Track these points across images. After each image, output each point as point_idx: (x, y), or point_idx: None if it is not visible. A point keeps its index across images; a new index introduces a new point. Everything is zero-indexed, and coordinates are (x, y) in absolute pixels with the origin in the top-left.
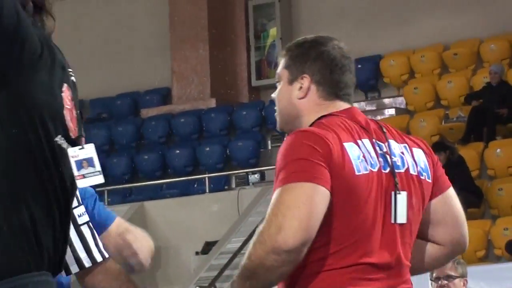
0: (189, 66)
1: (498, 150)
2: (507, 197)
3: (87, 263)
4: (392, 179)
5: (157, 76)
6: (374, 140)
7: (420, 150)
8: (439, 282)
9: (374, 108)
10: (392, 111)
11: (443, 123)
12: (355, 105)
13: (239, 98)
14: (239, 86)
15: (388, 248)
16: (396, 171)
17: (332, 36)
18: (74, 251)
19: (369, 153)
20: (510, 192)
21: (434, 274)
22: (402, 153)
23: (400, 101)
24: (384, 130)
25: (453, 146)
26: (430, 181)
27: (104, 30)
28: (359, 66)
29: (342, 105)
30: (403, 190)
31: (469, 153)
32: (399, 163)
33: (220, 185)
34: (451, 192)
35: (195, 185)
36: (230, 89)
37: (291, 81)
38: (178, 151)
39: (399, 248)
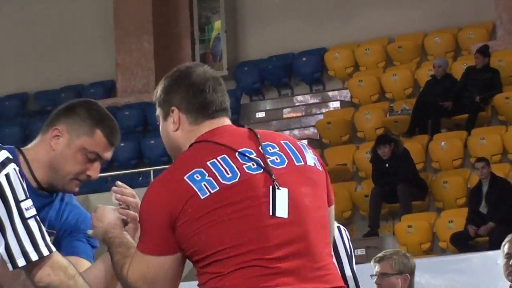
0: (133, 59)
1: (443, 143)
2: (452, 189)
3: (33, 256)
4: (269, 177)
5: (102, 68)
6: (237, 150)
7: (309, 150)
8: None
9: (318, 100)
10: (337, 104)
11: (388, 115)
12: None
13: None
14: None
15: (284, 241)
16: (277, 167)
17: (198, 63)
18: (21, 245)
19: (224, 168)
20: (455, 184)
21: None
22: (281, 150)
23: (345, 93)
24: (258, 136)
25: (398, 139)
26: (321, 169)
27: (48, 22)
28: (304, 59)
29: (212, 124)
30: (284, 185)
31: (414, 145)
32: (278, 160)
33: None
34: (333, 209)
35: (140, 178)
36: None
37: (164, 117)
38: (122, 144)
39: (304, 239)
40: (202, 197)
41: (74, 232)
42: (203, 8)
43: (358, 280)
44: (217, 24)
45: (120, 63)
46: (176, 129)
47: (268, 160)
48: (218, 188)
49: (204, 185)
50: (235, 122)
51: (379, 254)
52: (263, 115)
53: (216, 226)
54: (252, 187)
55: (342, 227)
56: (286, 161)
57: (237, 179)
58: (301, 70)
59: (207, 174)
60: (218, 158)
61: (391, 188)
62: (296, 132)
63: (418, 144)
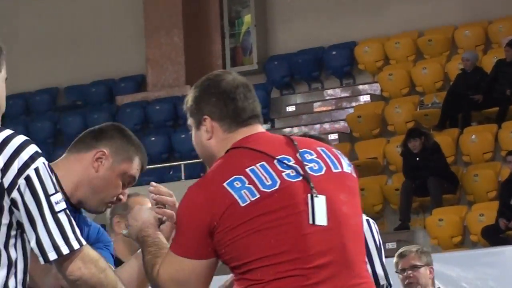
0: (163, 53)
1: (473, 136)
2: (483, 183)
3: (64, 250)
4: (308, 184)
5: (132, 63)
6: (276, 158)
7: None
8: (405, 273)
9: (349, 94)
10: (367, 98)
11: (418, 109)
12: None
13: None
14: None
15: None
16: (315, 174)
17: (227, 70)
18: (51, 238)
19: (263, 175)
20: (486, 178)
21: (399, 266)
22: (319, 157)
23: (375, 87)
24: (295, 142)
25: (428, 132)
26: (355, 177)
27: (78, 17)
28: (334, 53)
29: (247, 132)
30: (322, 193)
31: (444, 139)
32: (316, 167)
33: (195, 172)
34: None
35: (171, 172)
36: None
37: (197, 127)
38: (153, 138)
39: (342, 247)
40: (242, 205)
41: (95, 243)
42: (233, 2)
43: (387, 272)
44: (247, 18)
45: (150, 58)
46: (209, 138)
47: (306, 167)
48: (258, 196)
49: (244, 192)
50: (265, 116)
51: (401, 250)
52: (293, 109)
53: (256, 234)
54: (291, 195)
55: (371, 220)
56: (324, 168)
57: (277, 187)
58: (331, 63)
59: (247, 182)
60: (257, 165)
61: (422, 182)
62: (326, 126)
63: (449, 137)
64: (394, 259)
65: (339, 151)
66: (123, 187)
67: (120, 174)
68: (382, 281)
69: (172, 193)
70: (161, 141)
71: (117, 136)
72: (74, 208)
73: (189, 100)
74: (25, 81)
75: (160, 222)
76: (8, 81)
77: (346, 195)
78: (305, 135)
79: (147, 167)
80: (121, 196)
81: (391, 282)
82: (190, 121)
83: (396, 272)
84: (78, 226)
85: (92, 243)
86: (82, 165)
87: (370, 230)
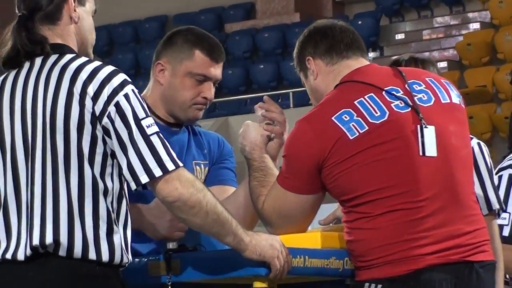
0: None
1: None
2: None
3: (157, 172)
4: (417, 115)
5: None
6: (384, 89)
7: (454, 88)
8: None
9: (458, 22)
10: (477, 25)
11: None
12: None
13: (323, 13)
14: (323, 1)
15: (433, 181)
16: (424, 105)
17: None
18: (143, 162)
19: (372, 107)
20: None
21: None
22: (428, 87)
23: (485, 15)
24: (403, 74)
25: None
26: (464, 107)
27: None
28: None
29: (352, 64)
30: (431, 124)
31: None
32: (425, 98)
33: (304, 100)
34: None
35: (279, 100)
36: (314, 4)
37: (306, 75)
38: (262, 66)
39: (451, 178)
40: (351, 138)
41: (219, 158)
42: None
43: (500, 196)
44: None
45: None
46: (316, 77)
47: (415, 98)
48: (367, 128)
49: (353, 125)
50: (374, 44)
51: None
52: (403, 36)
53: (365, 167)
54: (401, 126)
55: (482, 143)
56: (433, 99)
57: (386, 118)
58: None
59: (355, 114)
60: (366, 97)
61: None
62: (435, 54)
63: None
64: None
65: (447, 81)
66: (201, 85)
67: (186, 75)
68: (495, 206)
69: (282, 110)
70: (270, 69)
71: (176, 39)
72: (178, 126)
73: (294, 59)
74: (135, 9)
75: (268, 139)
76: (117, 9)
77: (455, 126)
78: (412, 58)
79: (255, 95)
80: (203, 94)
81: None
82: (301, 77)
83: None
84: (190, 148)
85: (216, 158)
86: (155, 84)
87: (481, 153)
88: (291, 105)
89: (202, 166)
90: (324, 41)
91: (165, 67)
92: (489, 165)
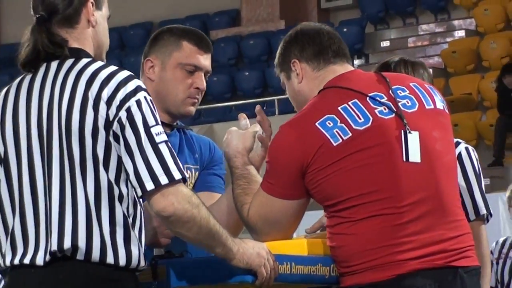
0: None
1: None
2: None
3: (163, 180)
4: (401, 121)
5: None
6: (368, 95)
7: (438, 93)
8: None
9: (444, 29)
10: (462, 33)
11: None
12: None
13: (308, 20)
14: (309, 8)
15: (416, 187)
16: (408, 110)
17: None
18: (149, 169)
19: (356, 113)
20: None
21: None
22: (412, 93)
23: (470, 22)
24: (387, 79)
25: None
26: (448, 113)
27: None
28: None
29: (337, 70)
30: (415, 129)
31: None
32: (408, 104)
33: (290, 107)
34: None
35: (264, 107)
36: (300, 11)
37: (288, 76)
38: (247, 73)
39: (435, 185)
40: (334, 144)
41: (209, 164)
42: None
43: (488, 201)
44: None
45: None
46: (300, 80)
47: (399, 103)
48: (350, 134)
49: (337, 132)
50: (360, 51)
51: None
52: (388, 44)
53: (349, 172)
54: (384, 132)
55: (470, 148)
56: (417, 104)
57: (369, 124)
58: None
59: (339, 121)
60: (350, 103)
61: None
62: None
63: None
64: (507, 193)
65: (432, 86)
66: (191, 76)
67: (176, 66)
68: (482, 211)
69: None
70: (255, 76)
71: (160, 37)
72: (170, 128)
73: (276, 58)
74: (120, 15)
75: (251, 149)
76: None
77: (439, 132)
78: (402, 60)
79: (240, 102)
80: (195, 85)
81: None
82: (281, 77)
83: (510, 207)
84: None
85: (207, 163)
86: (146, 82)
87: (469, 157)
88: (276, 112)
89: (193, 170)
90: (312, 46)
91: (154, 63)
92: (477, 170)
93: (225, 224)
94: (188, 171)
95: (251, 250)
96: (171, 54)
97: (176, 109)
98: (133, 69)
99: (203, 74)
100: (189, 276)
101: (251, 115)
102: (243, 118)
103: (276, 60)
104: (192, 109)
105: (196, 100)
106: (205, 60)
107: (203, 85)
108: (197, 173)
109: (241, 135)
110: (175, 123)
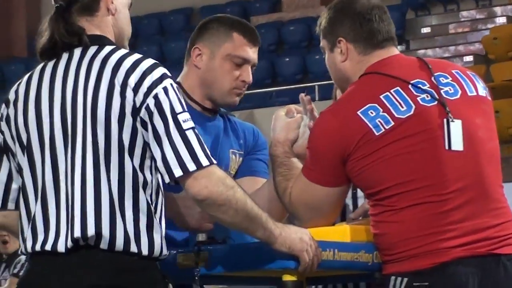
0: None
1: None
2: None
3: (191, 167)
4: (443, 109)
5: None
6: (410, 82)
7: (480, 80)
8: None
9: (485, 16)
10: (503, 20)
11: None
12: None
13: None
14: None
15: (459, 175)
16: (450, 98)
17: None
18: (177, 155)
19: (398, 101)
20: None
21: None
22: (454, 80)
23: (511, 9)
24: (430, 66)
25: None
26: (491, 100)
27: None
28: None
29: (382, 54)
30: (458, 117)
31: None
32: (451, 91)
33: (329, 93)
34: None
35: (305, 93)
36: None
37: (331, 49)
38: (287, 59)
39: (478, 172)
40: (376, 134)
41: (253, 149)
42: None
43: None
44: None
45: None
46: (344, 60)
47: (441, 91)
48: (392, 123)
49: (379, 121)
50: (400, 37)
51: None
52: (429, 30)
53: (391, 160)
54: (427, 120)
55: None
56: (460, 92)
57: (411, 112)
58: None
59: (381, 110)
60: (392, 91)
61: None
62: (461, 48)
63: None
64: None
65: (474, 73)
66: (239, 68)
67: (224, 57)
68: None
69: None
70: (295, 62)
71: (211, 25)
72: (213, 113)
73: (322, 21)
74: (159, 1)
75: (294, 140)
76: (142, 1)
77: (481, 119)
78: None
79: (281, 88)
80: (241, 78)
81: None
82: (323, 43)
83: None
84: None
85: (251, 148)
86: (191, 69)
87: None
88: (317, 98)
89: (237, 155)
90: (363, 29)
91: (202, 52)
92: None
93: (267, 211)
94: (233, 156)
95: (294, 235)
96: (220, 44)
97: (221, 99)
98: (174, 54)
99: (250, 67)
100: (230, 262)
101: (292, 101)
102: (291, 112)
103: (320, 26)
104: (237, 100)
105: (242, 92)
106: (254, 53)
107: (250, 78)
108: (241, 158)
109: (284, 125)
110: (218, 109)
